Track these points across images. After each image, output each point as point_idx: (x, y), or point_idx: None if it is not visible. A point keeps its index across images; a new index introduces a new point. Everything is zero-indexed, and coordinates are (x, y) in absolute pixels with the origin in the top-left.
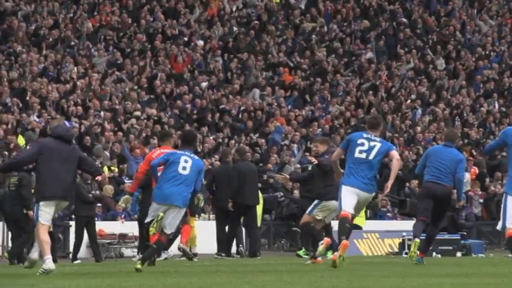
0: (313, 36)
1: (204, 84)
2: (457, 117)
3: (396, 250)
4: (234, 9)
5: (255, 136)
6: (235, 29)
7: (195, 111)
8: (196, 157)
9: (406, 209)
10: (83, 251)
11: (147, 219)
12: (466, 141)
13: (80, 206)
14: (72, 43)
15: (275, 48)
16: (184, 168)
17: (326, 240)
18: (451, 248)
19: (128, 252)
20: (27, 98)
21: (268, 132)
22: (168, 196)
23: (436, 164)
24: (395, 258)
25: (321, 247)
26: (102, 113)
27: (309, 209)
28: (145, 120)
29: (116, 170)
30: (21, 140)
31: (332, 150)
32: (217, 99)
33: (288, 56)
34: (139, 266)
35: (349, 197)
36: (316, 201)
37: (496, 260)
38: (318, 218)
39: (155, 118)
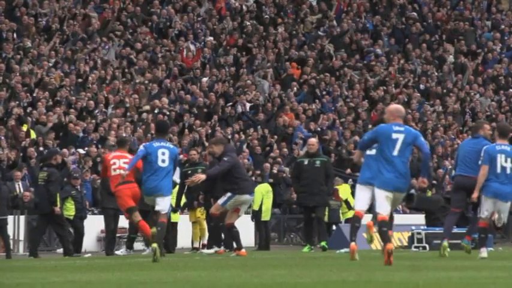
0: (320, 30)
1: (205, 79)
2: (469, 111)
3: (405, 244)
4: (243, 4)
5: (265, 131)
6: (247, 23)
7: (204, 104)
8: (171, 145)
9: (413, 203)
10: (93, 245)
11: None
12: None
13: (107, 198)
14: (82, 37)
15: (285, 43)
16: (163, 161)
17: (242, 252)
18: (459, 241)
19: (137, 245)
20: (36, 93)
21: (289, 131)
22: (154, 189)
23: (462, 158)
24: (405, 252)
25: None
26: (111, 107)
27: (223, 200)
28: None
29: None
30: (32, 134)
31: (231, 148)
32: (226, 93)
33: (297, 50)
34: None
35: (362, 194)
36: (229, 194)
37: (506, 254)
38: (229, 209)
39: (166, 112)
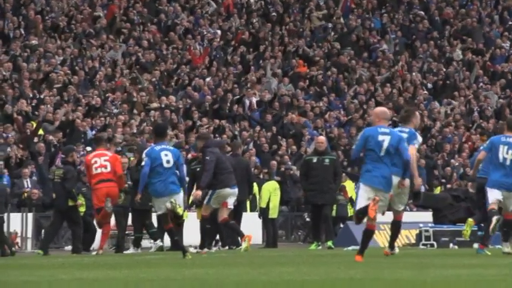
0: (327, 26)
1: (208, 79)
2: (477, 108)
3: (413, 241)
4: (252, 0)
5: (274, 129)
6: (254, 20)
7: (213, 101)
8: (172, 147)
9: (419, 201)
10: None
11: (159, 213)
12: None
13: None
14: (89, 34)
15: (293, 40)
16: (168, 161)
17: (248, 236)
18: (468, 239)
19: (145, 243)
20: (44, 92)
21: (304, 132)
22: (165, 191)
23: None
24: (412, 250)
25: (245, 244)
26: (119, 105)
27: (206, 199)
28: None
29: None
30: (41, 131)
31: (212, 143)
32: (232, 91)
33: (305, 48)
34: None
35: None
36: (210, 192)
37: None
38: (215, 206)
39: (172, 109)
